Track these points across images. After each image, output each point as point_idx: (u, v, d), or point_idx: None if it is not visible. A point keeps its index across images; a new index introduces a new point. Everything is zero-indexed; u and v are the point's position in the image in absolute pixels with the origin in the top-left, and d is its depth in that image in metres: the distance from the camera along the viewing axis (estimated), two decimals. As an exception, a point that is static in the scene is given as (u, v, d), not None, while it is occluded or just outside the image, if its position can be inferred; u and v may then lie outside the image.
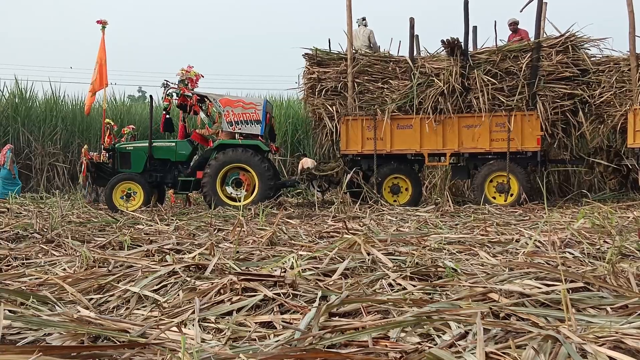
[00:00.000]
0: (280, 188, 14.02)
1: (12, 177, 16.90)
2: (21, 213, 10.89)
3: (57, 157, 19.89)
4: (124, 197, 13.08)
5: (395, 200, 13.49)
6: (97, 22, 14.42)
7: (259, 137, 13.31)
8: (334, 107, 13.85)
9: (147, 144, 13.71)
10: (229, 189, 12.95)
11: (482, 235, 6.96)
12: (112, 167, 13.73)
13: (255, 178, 12.86)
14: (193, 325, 3.30)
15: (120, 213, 11.49)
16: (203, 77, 13.80)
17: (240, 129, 13.23)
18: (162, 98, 13.81)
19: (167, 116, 13.76)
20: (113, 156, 13.78)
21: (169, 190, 14.03)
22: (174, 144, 13.83)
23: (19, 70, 57.30)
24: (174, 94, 13.54)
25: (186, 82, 13.43)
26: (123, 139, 14.81)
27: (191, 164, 13.71)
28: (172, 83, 13.52)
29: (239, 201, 12.44)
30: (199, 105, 13.64)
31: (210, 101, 13.44)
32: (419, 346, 2.79)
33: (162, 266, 4.79)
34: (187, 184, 13.42)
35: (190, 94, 13.36)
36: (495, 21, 13.72)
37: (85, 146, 14.20)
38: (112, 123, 14.33)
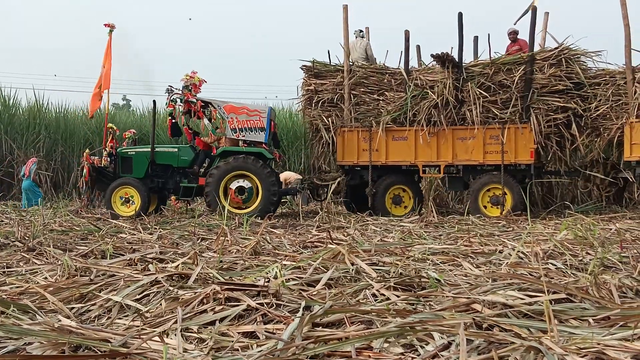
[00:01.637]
0: (282, 196, 13.97)
1: (36, 187, 17.00)
2: (2, 221, 10.79)
3: (40, 165, 19.75)
4: (124, 202, 13.06)
5: (406, 207, 13.60)
6: (105, 25, 14.44)
7: (263, 145, 13.26)
8: (330, 119, 13.91)
9: (149, 149, 13.63)
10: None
11: (466, 246, 6.98)
12: (113, 172, 13.68)
13: (258, 186, 12.80)
14: (175, 335, 3.28)
15: (119, 218, 11.55)
16: (206, 82, 13.76)
17: (244, 136, 13.18)
18: (166, 104, 13.74)
19: (173, 121, 13.68)
20: (115, 161, 13.73)
21: (172, 197, 13.95)
22: (176, 149, 13.77)
23: (2, 77, 56.85)
24: (178, 100, 13.49)
25: (190, 88, 13.40)
26: (124, 144, 14.75)
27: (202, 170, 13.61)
28: (176, 89, 13.47)
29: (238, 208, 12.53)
30: (203, 111, 13.58)
31: (214, 107, 13.39)
32: (402, 357, 2.79)
33: (145, 275, 4.75)
34: (189, 191, 13.37)
35: (194, 100, 13.31)
36: (488, 34, 13.84)
37: (87, 150, 14.17)
38: (115, 128, 14.29)
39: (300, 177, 16.11)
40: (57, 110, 21.82)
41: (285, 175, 16.23)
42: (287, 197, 16.18)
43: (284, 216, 13.22)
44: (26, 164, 17.70)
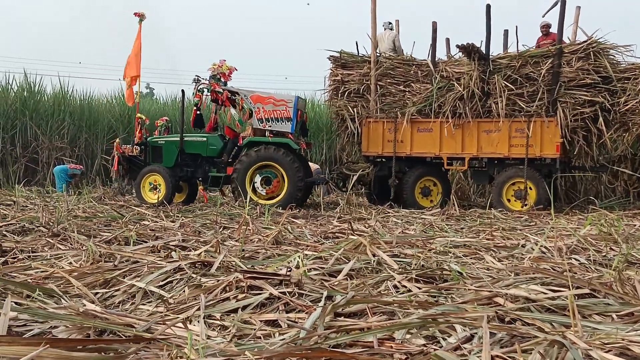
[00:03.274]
0: (311, 186, 13.96)
1: (66, 176, 17.31)
2: (27, 206, 10.92)
3: (64, 151, 19.88)
4: (152, 188, 13.21)
5: (432, 201, 13.57)
6: (135, 14, 14.53)
7: (290, 135, 13.29)
8: (355, 109, 13.91)
9: (178, 138, 13.72)
10: (257, 185, 12.88)
11: (488, 239, 6.95)
12: (144, 161, 13.81)
13: (285, 177, 12.82)
14: (198, 321, 3.31)
15: (149, 206, 11.80)
16: (237, 70, 13.75)
17: (270, 127, 13.17)
18: (194, 94, 13.77)
19: (198, 112, 13.70)
20: (145, 150, 13.86)
21: (200, 187, 14.02)
22: (205, 138, 13.79)
23: (28, 64, 57.46)
24: (205, 90, 13.52)
25: (218, 77, 13.39)
26: (156, 132, 14.82)
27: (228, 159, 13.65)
28: (203, 79, 13.50)
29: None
30: (230, 101, 13.60)
31: (241, 97, 13.39)
32: (424, 348, 2.79)
33: (168, 262, 4.80)
34: (217, 180, 13.43)
35: (221, 90, 13.31)
36: (516, 26, 13.71)
37: (118, 139, 14.31)
38: (144, 117, 14.39)
39: (318, 167, 16.06)
40: (82, 97, 21.98)
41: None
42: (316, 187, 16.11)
43: (305, 207, 13.23)
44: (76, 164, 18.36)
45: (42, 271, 4.69)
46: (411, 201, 13.44)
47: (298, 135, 13.75)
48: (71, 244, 6.20)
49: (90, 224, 8.11)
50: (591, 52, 12.54)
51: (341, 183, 14.57)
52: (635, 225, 8.43)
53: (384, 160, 14.02)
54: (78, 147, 20.38)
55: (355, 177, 12.79)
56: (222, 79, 13.46)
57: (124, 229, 7.13)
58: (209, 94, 13.50)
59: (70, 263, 5.15)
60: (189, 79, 13.45)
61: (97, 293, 4.11)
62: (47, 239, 6.40)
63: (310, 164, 16.19)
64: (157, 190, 13.16)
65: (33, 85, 21.13)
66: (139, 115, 14.38)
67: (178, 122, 17.39)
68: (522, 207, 12.50)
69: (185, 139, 13.68)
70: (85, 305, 3.68)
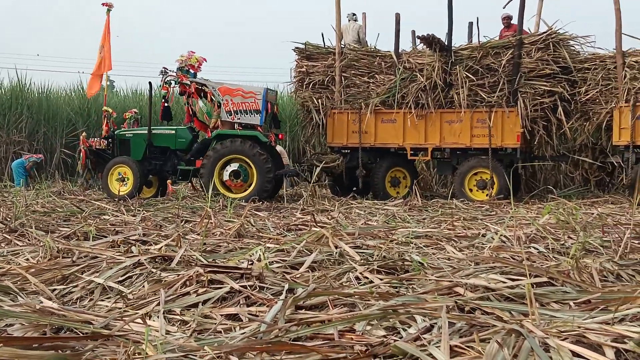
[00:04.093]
0: (281, 178, 13.91)
1: (24, 171, 16.90)
2: (-16, 202, 10.70)
3: (22, 145, 19.53)
4: (119, 179, 13.02)
5: (397, 192, 13.68)
6: (103, 4, 14.30)
7: (259, 128, 13.18)
8: (320, 101, 13.93)
9: (146, 131, 13.55)
10: (226, 177, 12.76)
11: (449, 229, 7.01)
12: (111, 154, 13.61)
13: (253, 170, 12.71)
14: (158, 317, 3.28)
15: (116, 199, 11.73)
16: (206, 60, 13.58)
17: (239, 119, 13.04)
18: (160, 86, 13.57)
19: (166, 104, 13.52)
20: (112, 143, 13.66)
21: (168, 180, 13.86)
22: (173, 131, 13.64)
23: (-17, 57, 56.20)
24: (172, 82, 13.34)
25: (186, 69, 13.22)
26: (124, 125, 14.58)
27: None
28: (170, 70, 13.31)
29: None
30: (197, 93, 13.43)
31: (209, 89, 13.23)
32: (385, 339, 2.80)
33: (128, 257, 4.74)
34: (186, 173, 13.30)
35: (188, 82, 13.13)
36: (477, 17, 13.79)
37: (84, 133, 14.06)
38: (111, 110, 14.19)
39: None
40: (40, 90, 21.59)
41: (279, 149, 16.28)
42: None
43: (269, 199, 13.18)
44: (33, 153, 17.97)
45: (-2, 268, 4.60)
46: (381, 191, 13.52)
47: (268, 127, 13.68)
48: (29, 240, 6.10)
49: (48, 219, 7.98)
50: (550, 43, 12.70)
51: (308, 174, 14.55)
52: (593, 213, 8.57)
53: (348, 151, 14.06)
54: (37, 141, 20.03)
55: (319, 169, 12.78)
56: (191, 71, 13.31)
57: (83, 224, 7.02)
58: (176, 86, 13.34)
59: (28, 259, 5.06)
60: (150, 71, 13.28)
61: (54, 290, 4.05)
62: (4, 235, 6.29)
63: (282, 148, 16.10)
64: (124, 182, 12.98)
65: (-11, 79, 20.70)
66: (105, 108, 14.18)
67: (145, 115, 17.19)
68: (487, 196, 12.63)
69: (154, 131, 13.52)
70: (42, 302, 3.61)
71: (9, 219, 7.28)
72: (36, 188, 14.12)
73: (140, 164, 13.19)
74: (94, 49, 15.12)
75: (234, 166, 12.67)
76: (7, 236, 6.19)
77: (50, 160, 19.77)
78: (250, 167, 12.68)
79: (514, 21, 13.75)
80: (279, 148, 14.62)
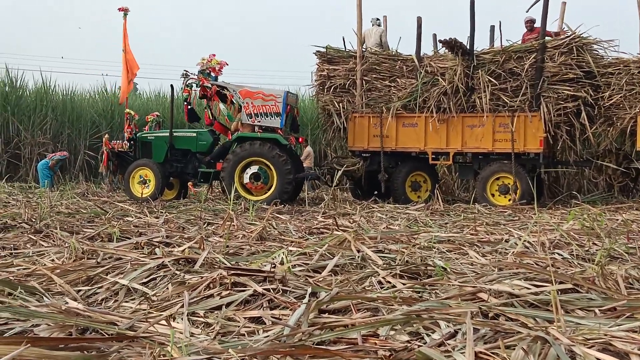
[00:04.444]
0: (301, 182, 13.94)
1: (49, 171, 17.07)
2: (9, 202, 10.82)
3: (47, 146, 19.74)
4: (141, 182, 13.14)
5: (419, 197, 13.65)
6: (119, 9, 14.45)
7: (279, 130, 13.24)
8: (341, 104, 13.94)
9: (168, 134, 13.65)
10: (246, 179, 12.82)
11: (472, 234, 6.98)
12: (133, 157, 13.75)
13: (273, 172, 12.77)
14: (182, 319, 3.29)
15: (136, 201, 11.83)
16: (227, 64, 13.67)
17: (259, 122, 13.10)
18: (182, 89, 13.69)
19: (190, 107, 13.63)
20: (134, 145, 13.80)
21: (189, 182, 13.96)
22: (195, 134, 13.75)
23: (10, 58, 56.93)
24: (194, 85, 13.44)
25: (207, 72, 13.31)
26: (147, 127, 14.73)
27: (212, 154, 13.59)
28: (191, 73, 13.41)
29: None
30: (219, 96, 13.52)
31: (230, 92, 13.31)
32: (409, 344, 2.79)
33: (152, 259, 4.77)
34: (207, 175, 13.38)
35: (209, 85, 13.23)
36: (500, 21, 13.74)
37: (107, 135, 14.20)
38: (133, 113, 14.32)
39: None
40: (64, 92, 21.81)
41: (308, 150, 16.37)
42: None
43: (290, 202, 13.21)
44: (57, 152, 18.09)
45: (24, 268, 4.64)
46: (402, 195, 13.49)
47: (288, 130, 13.72)
48: (54, 241, 6.15)
49: (73, 220, 8.05)
50: (574, 47, 12.60)
51: (328, 178, 14.55)
52: (617, 219, 8.48)
53: (371, 155, 14.05)
54: (61, 143, 20.24)
55: (340, 172, 12.80)
56: (212, 74, 13.40)
57: (107, 226, 7.08)
58: (197, 89, 13.43)
59: (53, 260, 5.11)
60: (173, 73, 13.39)
61: (79, 290, 4.08)
62: (30, 235, 6.35)
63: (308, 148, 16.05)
64: (146, 185, 13.09)
65: (15, 81, 20.97)
66: (127, 110, 14.30)
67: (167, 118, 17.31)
68: (509, 201, 12.55)
69: (175, 134, 13.63)
70: (67, 303, 3.65)
71: (34, 220, 7.35)
72: (60, 189, 14.26)
73: (161, 166, 13.29)
74: (111, 50, 15.27)
75: (253, 169, 12.73)
76: (32, 237, 6.25)
77: (75, 162, 19.98)
78: (270, 169, 12.73)
79: (537, 24, 13.66)
80: (308, 149, 14.64)
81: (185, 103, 13.66)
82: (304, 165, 14.68)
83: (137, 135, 13.92)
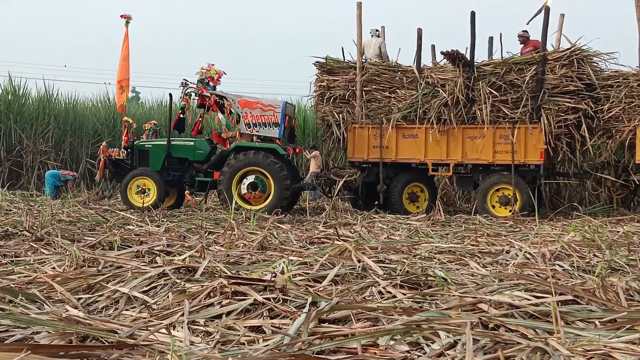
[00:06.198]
0: (299, 192, 13.95)
1: (57, 180, 17.00)
2: (11, 210, 10.83)
3: (49, 155, 19.76)
4: (139, 192, 13.12)
5: (417, 207, 13.63)
6: (121, 16, 14.45)
7: (277, 141, 13.25)
8: (341, 115, 13.94)
9: (165, 142, 13.67)
10: (244, 190, 12.84)
11: (473, 245, 6.97)
12: (130, 165, 13.74)
13: (270, 180, 12.79)
14: (182, 327, 3.30)
15: (136, 210, 11.76)
16: (226, 74, 13.71)
17: (258, 132, 13.13)
18: (180, 97, 13.72)
19: (181, 116, 13.66)
20: (132, 154, 13.80)
21: (186, 191, 13.97)
22: (192, 143, 13.77)
23: (13, 67, 57.16)
24: (193, 94, 13.47)
25: (206, 81, 13.35)
26: (144, 136, 14.73)
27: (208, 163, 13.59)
28: (190, 82, 13.44)
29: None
30: (217, 106, 13.56)
31: (229, 102, 13.35)
32: (408, 354, 2.80)
33: (152, 267, 4.78)
34: (204, 184, 13.39)
35: (208, 94, 13.27)
36: (500, 33, 13.77)
37: (104, 143, 14.21)
38: (131, 121, 14.32)
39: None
40: (67, 101, 21.84)
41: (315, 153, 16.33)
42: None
43: (291, 211, 13.22)
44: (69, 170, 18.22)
45: (25, 276, 4.65)
46: (399, 207, 13.48)
47: (286, 141, 13.74)
48: (55, 249, 6.16)
49: (74, 228, 8.06)
50: (574, 60, 12.63)
51: (327, 188, 14.56)
52: (618, 231, 8.47)
53: (369, 165, 14.05)
54: (63, 151, 20.26)
55: (340, 183, 12.80)
56: (211, 83, 13.43)
57: (108, 234, 7.09)
58: (196, 98, 13.45)
59: (54, 268, 5.11)
60: (175, 82, 13.43)
61: (80, 298, 4.09)
62: (31, 243, 6.36)
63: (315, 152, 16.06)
64: (145, 194, 13.08)
65: (17, 89, 21.00)
66: (125, 118, 14.30)
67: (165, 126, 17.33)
68: (509, 212, 12.54)
69: (173, 143, 13.65)
70: (68, 310, 3.65)
71: (35, 228, 7.36)
72: (62, 197, 14.26)
73: (159, 174, 13.30)
74: (112, 59, 15.32)
75: (250, 178, 12.75)
76: (33, 245, 6.26)
77: (76, 170, 19.98)
78: (267, 177, 12.76)
79: (534, 37, 13.72)
80: (314, 152, 14.69)
81: (180, 112, 13.70)
82: (311, 169, 14.66)
83: (135, 143, 13.92)
